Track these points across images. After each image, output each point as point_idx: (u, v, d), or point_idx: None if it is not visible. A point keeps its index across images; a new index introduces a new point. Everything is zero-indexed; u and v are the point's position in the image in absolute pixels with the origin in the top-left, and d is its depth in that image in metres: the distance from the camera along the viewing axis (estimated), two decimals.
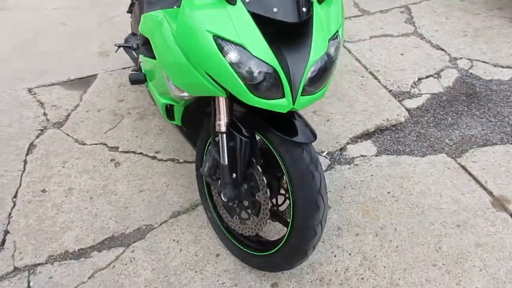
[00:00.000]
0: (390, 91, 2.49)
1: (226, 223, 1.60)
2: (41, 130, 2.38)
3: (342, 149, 2.12)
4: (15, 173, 2.11)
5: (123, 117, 2.43)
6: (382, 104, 2.38)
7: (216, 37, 1.10)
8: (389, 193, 1.88)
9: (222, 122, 1.36)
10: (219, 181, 1.45)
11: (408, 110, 2.35)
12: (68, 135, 2.33)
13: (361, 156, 2.08)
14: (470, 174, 1.95)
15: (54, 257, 1.71)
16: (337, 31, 1.24)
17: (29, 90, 2.71)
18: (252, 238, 1.58)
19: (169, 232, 1.78)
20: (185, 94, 1.39)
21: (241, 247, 1.59)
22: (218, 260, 1.66)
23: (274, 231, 1.73)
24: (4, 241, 1.78)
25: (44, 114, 2.50)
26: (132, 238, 1.77)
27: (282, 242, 1.41)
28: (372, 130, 2.23)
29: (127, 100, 2.56)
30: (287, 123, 1.32)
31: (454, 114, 2.31)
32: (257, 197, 1.41)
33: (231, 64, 1.11)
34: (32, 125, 2.41)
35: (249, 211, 1.46)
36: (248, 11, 1.11)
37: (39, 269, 1.67)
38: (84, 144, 2.26)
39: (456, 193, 1.86)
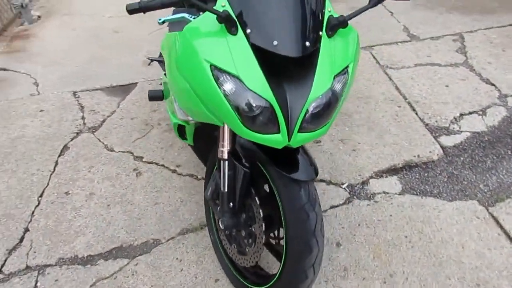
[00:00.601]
0: (426, 125, 2.34)
1: (225, 250, 1.58)
2: (77, 133, 2.50)
3: (364, 183, 2.02)
4: (45, 173, 2.22)
5: (153, 127, 2.50)
6: (415, 139, 2.25)
7: (213, 67, 1.09)
8: (406, 237, 1.75)
9: (224, 149, 1.34)
10: (219, 207, 1.43)
11: (443, 147, 2.20)
12: (99, 140, 2.43)
13: (383, 192, 1.97)
14: (501, 227, 1.77)
15: (64, 260, 1.77)
16: (346, 67, 1.18)
17: (74, 93, 2.87)
18: (250, 269, 1.54)
19: (174, 249, 1.79)
20: (190, 118, 1.39)
21: (239, 276, 1.55)
22: (216, 286, 1.64)
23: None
24: (22, 238, 1.88)
25: (82, 117, 2.63)
26: (139, 250, 1.79)
27: (275, 278, 1.36)
28: (400, 165, 2.10)
29: (160, 110, 2.62)
30: (288, 157, 1.27)
31: (494, 157, 2.12)
32: (252, 229, 1.37)
33: (225, 95, 1.08)
34: (69, 127, 2.54)
35: (245, 241, 1.42)
36: (249, 42, 1.09)
37: (48, 270, 1.73)
38: (112, 150, 2.35)
39: (482, 247, 1.69)
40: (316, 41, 1.12)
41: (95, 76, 3.05)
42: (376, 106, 2.51)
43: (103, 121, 2.59)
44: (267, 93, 1.07)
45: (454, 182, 2.00)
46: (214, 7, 1.14)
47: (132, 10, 1.27)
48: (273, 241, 1.51)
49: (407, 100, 2.54)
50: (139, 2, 1.27)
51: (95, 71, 3.12)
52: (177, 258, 1.75)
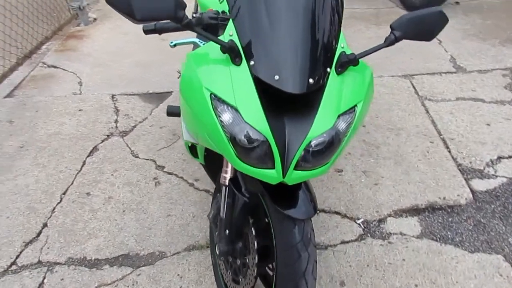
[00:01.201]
0: (459, 165, 2.21)
1: (222, 274, 1.56)
2: (108, 136, 2.59)
3: (381, 221, 1.93)
4: (72, 172, 2.32)
5: (179, 138, 2.54)
6: (444, 179, 2.12)
7: (213, 96, 1.08)
8: (416, 286, 1.65)
9: (227, 175, 1.33)
10: (217, 232, 1.42)
11: (473, 191, 2.05)
12: (127, 145, 2.50)
13: (400, 234, 1.87)
14: None
15: (73, 260, 1.84)
16: (354, 106, 1.13)
17: (112, 96, 2.99)
18: None
19: (177, 264, 1.79)
20: (194, 140, 1.39)
21: None
22: None
23: None
24: (40, 233, 1.97)
25: (116, 121, 2.72)
26: (143, 261, 1.82)
27: None
28: (423, 206, 1.99)
29: None
30: (287, 191, 1.23)
31: None
32: (246, 260, 1.35)
33: (222, 125, 1.07)
34: (102, 129, 2.64)
35: (239, 270, 1.40)
36: (252, 74, 1.07)
37: (56, 268, 1.80)
38: (137, 157, 2.41)
39: None
40: (322, 77, 1.09)
41: (136, 81, 3.16)
42: (407, 139, 2.40)
43: (134, 126, 2.67)
44: (264, 127, 1.04)
45: (480, 232, 1.86)
46: (223, 35, 1.13)
47: (148, 31, 1.30)
48: (270, 272, 1.47)
49: (441, 136, 2.41)
50: (155, 24, 1.29)
51: (136, 76, 3.23)
52: (178, 274, 1.75)
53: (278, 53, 1.06)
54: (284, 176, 1.08)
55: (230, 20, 1.14)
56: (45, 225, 2.01)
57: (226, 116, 1.06)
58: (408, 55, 3.16)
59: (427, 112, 2.61)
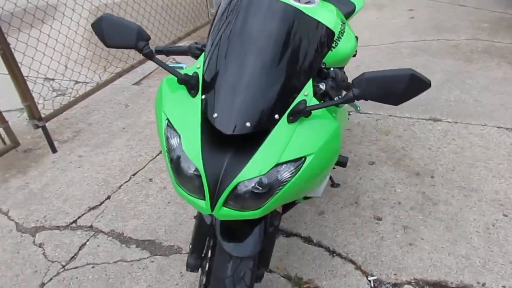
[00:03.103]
0: None
1: None
2: None
3: (395, 285, 1.74)
4: (148, 158, 2.69)
5: None
6: (496, 262, 1.77)
7: (168, 121, 1.17)
8: None
9: None
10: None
11: None
12: None
13: None
14: None
15: (113, 233, 2.16)
16: (302, 158, 1.09)
17: None
18: None
19: (185, 263, 1.95)
20: None
21: None
22: None
23: None
24: (102, 203, 2.36)
25: None
26: (161, 251, 2.04)
27: None
28: (453, 285, 1.71)
29: None
30: (239, 224, 1.26)
31: None
32: (201, 278, 1.42)
33: (167, 149, 1.16)
34: None
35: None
36: (202, 107, 1.13)
37: (99, 235, 2.15)
38: None
39: None
40: (265, 123, 1.08)
41: None
42: (476, 204, 2.05)
43: None
44: (197, 158, 1.09)
45: None
46: (192, 66, 1.22)
47: (157, 51, 1.47)
48: None
49: None
50: (164, 46, 1.45)
51: None
52: (180, 272, 1.91)
53: (224, 92, 1.10)
54: (212, 210, 1.12)
55: (203, 53, 1.22)
56: (108, 197, 2.40)
57: (172, 142, 1.15)
58: (503, 105, 2.65)
59: None
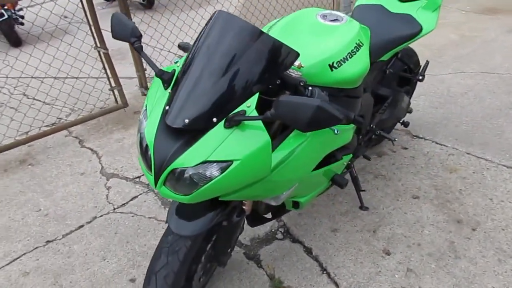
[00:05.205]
0: None
1: None
2: None
3: None
4: None
5: None
6: None
7: (146, 107, 1.40)
8: None
9: None
10: None
11: None
12: None
13: None
14: None
15: (159, 195, 2.54)
16: (230, 161, 1.21)
17: None
18: None
19: None
20: None
21: None
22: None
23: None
24: None
25: None
26: None
27: None
28: None
29: None
30: (191, 207, 1.44)
31: None
32: None
33: (138, 130, 1.39)
34: None
35: None
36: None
37: (150, 194, 2.56)
38: None
39: None
40: (202, 123, 1.21)
41: None
42: (506, 272, 1.77)
43: None
44: (150, 139, 1.27)
45: None
46: (175, 64, 1.42)
47: (180, 47, 1.70)
48: None
49: None
50: (186, 43, 1.68)
51: None
52: None
53: (179, 90, 1.27)
54: (155, 186, 1.31)
55: (186, 54, 1.41)
56: None
57: (142, 124, 1.38)
58: None
59: None
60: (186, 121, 1.23)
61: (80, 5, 3.03)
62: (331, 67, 1.52)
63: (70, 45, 3.55)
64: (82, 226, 2.33)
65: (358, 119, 1.23)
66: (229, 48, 1.25)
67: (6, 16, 4.79)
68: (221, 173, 1.22)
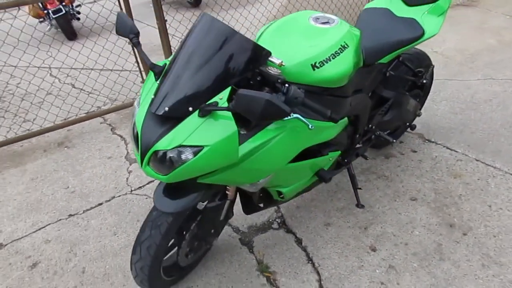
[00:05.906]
0: None
1: None
2: None
3: None
4: None
5: None
6: None
7: (140, 96, 1.59)
8: None
9: None
10: None
11: None
12: None
13: None
14: None
15: None
16: (201, 146, 1.35)
17: None
18: None
19: None
20: None
21: None
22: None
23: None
24: None
25: None
26: None
27: None
28: None
29: None
30: (176, 187, 1.61)
31: None
32: None
33: (132, 115, 1.58)
34: None
35: None
36: None
37: None
38: None
39: None
40: (180, 112, 1.37)
41: None
42: (487, 278, 1.78)
43: None
44: (139, 124, 1.45)
45: None
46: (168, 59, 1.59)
47: None
48: None
49: None
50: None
51: None
52: None
53: (163, 82, 1.44)
54: (141, 165, 1.49)
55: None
56: None
57: (136, 110, 1.56)
58: None
59: None
60: (166, 109, 1.39)
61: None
62: (313, 66, 1.62)
63: (107, 40, 3.86)
64: (101, 203, 2.58)
65: (334, 116, 1.32)
66: (207, 46, 1.40)
67: (63, 12, 5.25)
68: (194, 156, 1.37)
